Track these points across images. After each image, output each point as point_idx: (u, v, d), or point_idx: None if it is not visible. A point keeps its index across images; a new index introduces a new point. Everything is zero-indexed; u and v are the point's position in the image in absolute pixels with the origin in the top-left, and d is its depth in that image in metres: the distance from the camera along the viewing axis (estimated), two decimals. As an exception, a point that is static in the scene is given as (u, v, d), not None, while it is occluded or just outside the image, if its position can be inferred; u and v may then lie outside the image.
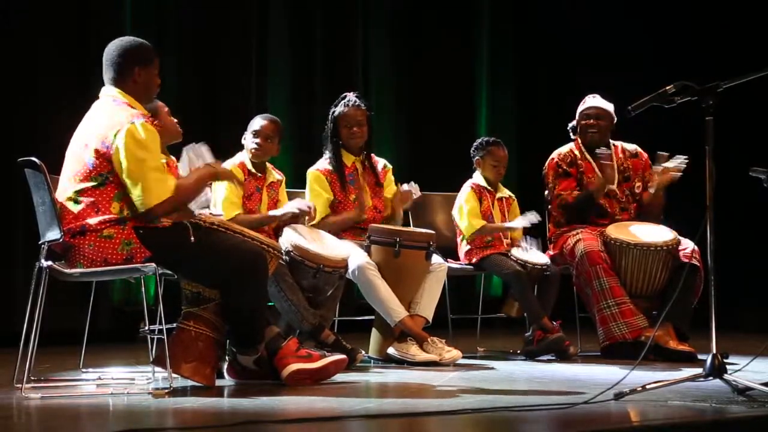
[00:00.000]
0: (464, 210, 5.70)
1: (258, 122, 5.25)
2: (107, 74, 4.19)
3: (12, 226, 6.24)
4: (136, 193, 3.99)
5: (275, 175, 5.33)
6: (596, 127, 5.83)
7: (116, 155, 3.99)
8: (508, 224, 5.71)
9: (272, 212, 5.21)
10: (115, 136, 3.99)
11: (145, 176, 3.97)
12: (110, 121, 4.03)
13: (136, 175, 3.98)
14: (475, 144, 5.87)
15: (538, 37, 8.49)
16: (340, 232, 5.42)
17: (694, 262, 5.37)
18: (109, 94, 4.16)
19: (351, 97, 5.56)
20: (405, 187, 5.55)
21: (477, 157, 5.82)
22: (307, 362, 4.28)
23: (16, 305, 5.77)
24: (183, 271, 4.18)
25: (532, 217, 5.65)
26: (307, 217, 5.17)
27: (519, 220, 5.69)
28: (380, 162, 5.71)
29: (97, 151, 4.00)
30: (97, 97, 4.21)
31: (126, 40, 4.24)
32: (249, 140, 5.23)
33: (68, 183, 4.07)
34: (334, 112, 5.55)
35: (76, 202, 4.03)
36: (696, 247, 5.31)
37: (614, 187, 5.84)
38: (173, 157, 4.40)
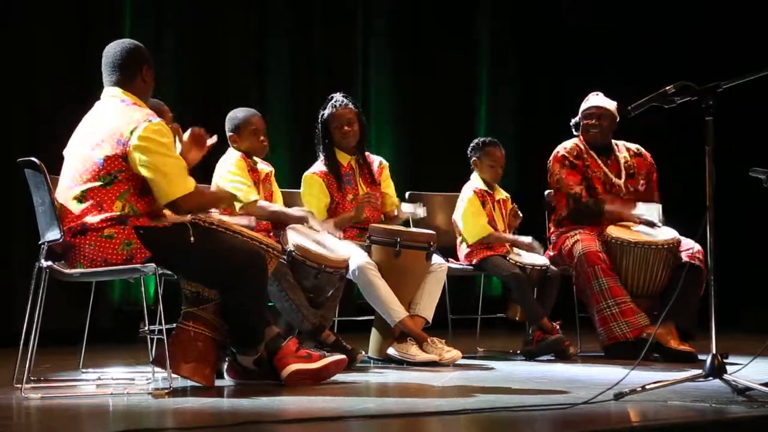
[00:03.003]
0: (469, 217, 5.69)
1: (251, 120, 5.15)
2: (111, 76, 4.18)
3: (12, 226, 6.25)
4: (161, 185, 4.01)
5: (265, 168, 5.30)
6: (598, 127, 5.82)
7: (133, 153, 3.98)
8: (512, 237, 5.70)
9: (289, 210, 5.16)
10: (131, 132, 3.99)
11: (169, 169, 4.01)
12: (124, 120, 4.03)
13: (161, 169, 4.00)
14: (471, 145, 5.85)
15: (537, 36, 8.49)
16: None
17: (697, 262, 5.37)
18: (114, 95, 4.16)
19: (338, 97, 5.54)
20: (407, 208, 5.56)
21: (474, 158, 5.81)
22: (307, 362, 4.28)
23: (16, 305, 5.77)
24: (182, 271, 4.18)
25: (536, 247, 5.66)
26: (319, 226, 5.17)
27: (524, 240, 5.68)
28: (376, 160, 5.70)
29: (111, 150, 3.99)
30: (98, 98, 4.21)
31: (127, 41, 4.25)
32: (252, 140, 5.17)
33: (72, 182, 4.06)
34: (322, 114, 5.52)
35: (81, 201, 4.02)
36: (699, 247, 5.32)
37: (621, 182, 5.83)
38: None
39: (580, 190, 5.76)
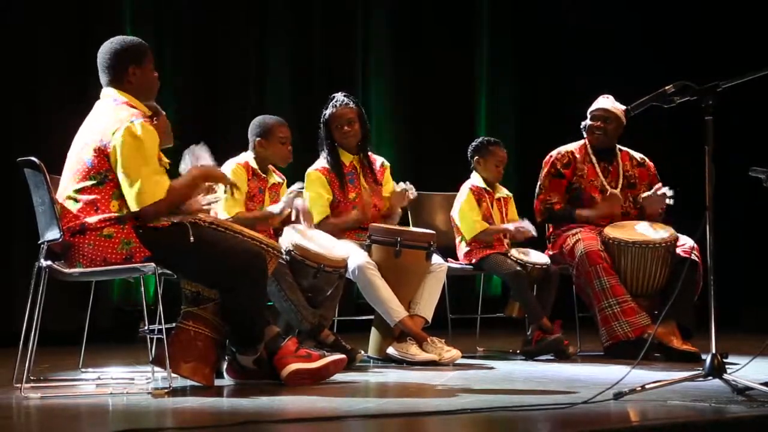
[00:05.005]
0: (465, 212, 5.69)
1: (280, 128, 5.21)
2: (103, 77, 4.18)
3: (12, 226, 6.25)
4: (130, 192, 3.98)
5: (276, 177, 5.33)
6: (602, 129, 5.82)
7: (113, 153, 3.98)
8: (507, 225, 5.70)
9: (269, 208, 5.17)
10: (113, 134, 3.98)
11: (140, 176, 3.96)
12: (110, 120, 4.03)
13: (132, 175, 3.96)
14: (474, 144, 5.85)
15: (537, 36, 8.49)
16: (340, 233, 5.41)
17: (694, 257, 5.37)
18: (109, 95, 4.16)
19: (339, 97, 5.55)
20: (399, 186, 5.56)
21: (477, 157, 5.80)
22: (306, 362, 4.28)
23: (16, 305, 5.77)
24: (182, 271, 4.18)
25: (529, 227, 5.64)
26: (305, 222, 5.15)
27: (519, 223, 5.67)
28: (378, 160, 5.71)
29: (96, 150, 4.00)
30: (98, 98, 4.21)
31: (116, 40, 4.21)
32: (279, 148, 5.19)
33: (68, 183, 4.07)
34: (324, 115, 5.54)
35: (76, 201, 4.02)
36: (695, 244, 5.31)
37: (617, 191, 5.83)
38: (167, 159, 4.39)
39: (555, 200, 5.79)
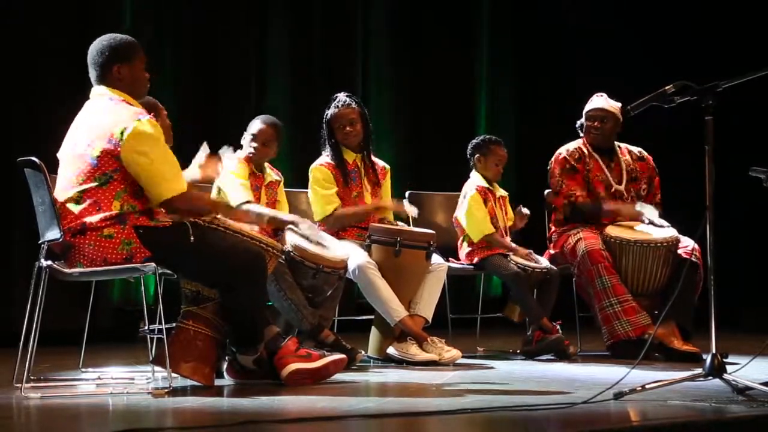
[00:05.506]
0: (473, 213, 5.66)
1: (256, 125, 5.22)
2: (92, 74, 4.17)
3: (12, 226, 6.24)
4: (154, 189, 4.01)
5: (273, 175, 5.32)
6: (600, 129, 5.82)
7: (125, 153, 3.97)
8: (513, 246, 5.67)
9: (280, 214, 5.12)
10: (121, 133, 3.97)
11: (162, 170, 4.00)
12: (114, 119, 4.02)
13: (153, 171, 3.99)
14: (474, 142, 5.84)
15: (537, 36, 8.49)
16: (353, 223, 5.43)
17: (694, 259, 5.37)
18: (102, 93, 4.14)
19: (341, 97, 5.55)
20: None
21: (478, 155, 5.79)
22: (306, 362, 4.28)
23: (16, 305, 5.76)
24: (182, 271, 4.18)
25: (535, 257, 5.64)
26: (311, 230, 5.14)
27: (523, 250, 5.66)
28: (379, 163, 5.71)
29: (103, 150, 3.98)
30: (88, 98, 4.20)
31: (105, 38, 4.19)
32: (246, 143, 5.21)
33: (68, 183, 4.06)
34: (327, 115, 5.54)
35: (78, 202, 4.02)
36: (696, 245, 5.31)
37: (621, 187, 5.83)
38: None
39: (578, 194, 5.77)
